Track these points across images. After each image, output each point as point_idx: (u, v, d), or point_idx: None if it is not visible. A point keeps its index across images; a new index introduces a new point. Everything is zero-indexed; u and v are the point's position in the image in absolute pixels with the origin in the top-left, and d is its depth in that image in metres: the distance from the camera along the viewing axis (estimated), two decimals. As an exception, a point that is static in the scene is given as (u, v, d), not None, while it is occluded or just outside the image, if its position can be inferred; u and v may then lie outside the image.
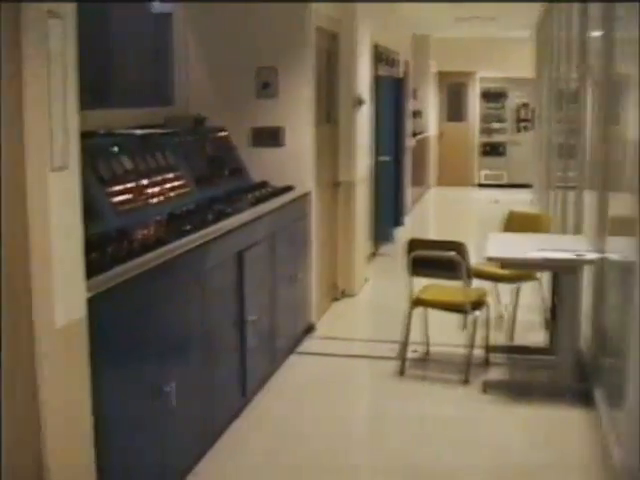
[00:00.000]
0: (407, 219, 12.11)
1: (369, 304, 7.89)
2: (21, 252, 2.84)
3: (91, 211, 4.17)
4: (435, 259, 5.53)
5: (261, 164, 6.36)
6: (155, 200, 4.81)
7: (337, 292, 7.64)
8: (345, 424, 5.05)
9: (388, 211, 10.17)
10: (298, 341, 6.29)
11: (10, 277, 2.81)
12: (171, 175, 5.14)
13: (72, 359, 3.07)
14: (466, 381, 5.56)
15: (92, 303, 3.20)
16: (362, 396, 5.66)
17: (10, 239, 2.80)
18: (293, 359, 6.02)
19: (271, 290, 5.49)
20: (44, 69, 2.82)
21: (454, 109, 17.43)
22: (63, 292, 2.99)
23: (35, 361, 2.90)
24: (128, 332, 3.55)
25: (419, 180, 14.49)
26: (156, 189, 4.88)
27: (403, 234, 10.91)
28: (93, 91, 6.12)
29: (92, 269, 3.40)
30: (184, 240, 4.22)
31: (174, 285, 4.05)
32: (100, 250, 3.71)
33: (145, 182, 4.80)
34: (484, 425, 5.03)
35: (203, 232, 4.46)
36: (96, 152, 4.49)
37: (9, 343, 2.83)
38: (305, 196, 6.38)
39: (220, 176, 5.89)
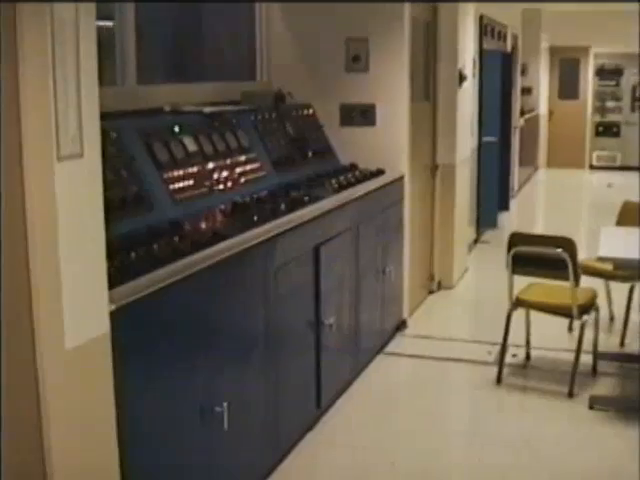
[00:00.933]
0: (513, 203, 11.27)
1: (467, 297, 7.12)
2: (18, 261, 2.27)
3: (142, 200, 3.62)
4: (539, 256, 4.79)
5: (350, 145, 5.71)
6: (222, 187, 4.21)
7: (433, 284, 6.94)
8: (432, 441, 4.37)
9: (492, 195, 9.35)
10: (387, 340, 5.63)
11: (5, 292, 2.25)
12: (243, 158, 4.54)
13: (90, 386, 2.50)
14: (570, 394, 4.82)
15: (121, 315, 2.63)
16: (452, 409, 4.93)
17: (6, 245, 2.24)
18: (379, 361, 5.36)
19: (354, 286, 4.84)
20: (46, 38, 2.22)
21: (566, 86, 16.31)
22: (77, 307, 2.42)
23: (39, 392, 2.34)
24: (168, 347, 2.96)
25: (527, 161, 13.57)
26: (224, 174, 4.28)
27: (509, 219, 10.13)
28: (169, 64, 5.60)
29: (127, 273, 2.84)
30: (246, 234, 3.60)
31: (232, 287, 3.45)
32: (143, 248, 3.14)
33: (211, 166, 4.21)
34: (589, 449, 4.28)
35: (272, 224, 3.84)
36: (154, 133, 3.92)
37: (7, 373, 2.28)
38: (398, 181, 5.69)
39: (303, 158, 5.26)
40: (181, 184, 3.92)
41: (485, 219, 9.05)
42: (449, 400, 4.96)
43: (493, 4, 9.10)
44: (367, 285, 5.05)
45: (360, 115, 5.75)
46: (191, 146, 4.13)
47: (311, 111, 5.69)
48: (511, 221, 10.22)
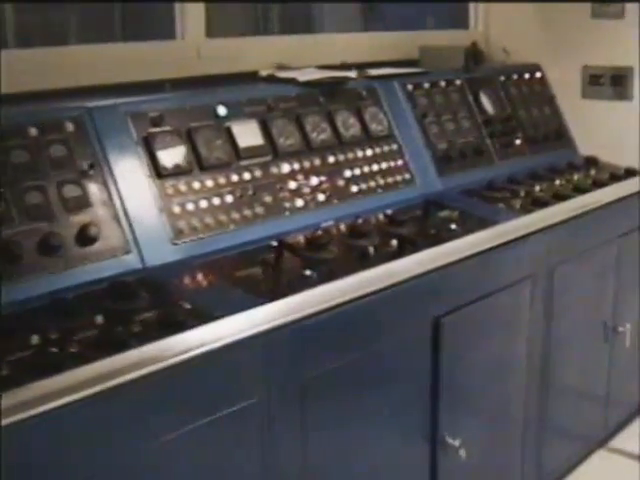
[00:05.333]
0: None
1: None
2: None
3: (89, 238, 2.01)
4: None
5: (594, 128, 3.64)
6: (300, 204, 2.47)
7: None
8: None
9: None
10: (619, 427, 3.54)
11: None
12: (368, 153, 2.74)
13: None
14: None
15: None
16: None
17: None
18: (592, 463, 3.33)
19: (539, 367, 2.85)
20: None
21: None
22: None
23: None
24: None
25: None
26: (311, 184, 2.53)
27: None
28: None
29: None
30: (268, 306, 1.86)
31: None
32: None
33: (286, 170, 2.48)
34: None
35: (337, 284, 2.05)
36: (172, 117, 2.27)
37: None
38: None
39: (504, 149, 3.32)
40: (203, 204, 2.24)
41: None
42: None
43: None
44: (574, 357, 3.03)
45: (610, 83, 3.63)
46: (247, 138, 2.41)
47: (538, 75, 3.67)
48: None
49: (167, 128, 2.24)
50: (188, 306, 1.87)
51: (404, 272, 2.21)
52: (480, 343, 2.51)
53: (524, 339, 2.72)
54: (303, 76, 2.68)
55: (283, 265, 2.15)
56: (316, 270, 2.12)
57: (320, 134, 2.61)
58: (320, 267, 2.15)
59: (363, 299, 2.08)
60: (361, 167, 2.69)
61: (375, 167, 2.74)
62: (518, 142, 3.40)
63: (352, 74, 2.80)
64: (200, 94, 2.40)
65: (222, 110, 2.37)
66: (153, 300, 1.88)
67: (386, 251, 2.30)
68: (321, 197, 2.53)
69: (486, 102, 3.35)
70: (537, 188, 3.05)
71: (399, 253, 2.29)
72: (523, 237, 2.66)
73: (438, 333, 2.32)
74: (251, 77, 2.80)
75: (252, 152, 2.40)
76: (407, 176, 2.84)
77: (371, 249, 2.29)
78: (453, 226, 2.55)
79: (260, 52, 2.95)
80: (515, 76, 3.55)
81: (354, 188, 2.64)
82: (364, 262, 2.22)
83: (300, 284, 2.04)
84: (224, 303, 1.90)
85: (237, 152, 2.37)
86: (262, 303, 1.90)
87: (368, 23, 4.20)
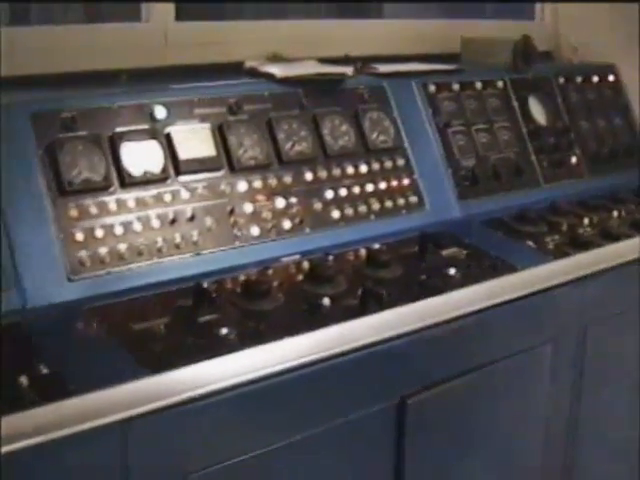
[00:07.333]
0: None
1: None
2: None
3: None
4: None
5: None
6: (255, 234, 2.00)
7: None
8: None
9: None
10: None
11: None
12: (362, 170, 2.25)
13: None
14: None
15: None
16: None
17: None
18: None
19: (559, 454, 2.31)
20: None
21: None
22: None
23: None
24: None
25: None
26: (277, 204, 2.06)
27: None
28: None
29: None
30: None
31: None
32: None
33: (246, 188, 2.02)
34: None
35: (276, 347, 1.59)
36: (87, 119, 1.84)
37: None
38: None
39: (555, 168, 2.76)
40: (118, 230, 1.81)
41: None
42: None
43: None
44: (609, 441, 2.46)
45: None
46: (192, 147, 1.96)
47: (611, 78, 3.07)
48: None
49: (82, 133, 1.81)
50: (45, 371, 1.45)
51: (358, 337, 1.72)
52: (469, 430, 1.98)
53: (540, 420, 2.18)
54: (285, 71, 2.20)
55: (199, 317, 1.70)
56: (239, 328, 1.66)
57: (296, 144, 2.13)
58: (248, 323, 1.69)
59: (290, 373, 1.61)
60: (349, 187, 2.20)
61: (369, 187, 2.24)
62: (574, 160, 2.83)
63: (348, 70, 2.29)
64: (137, 90, 1.95)
65: (160, 111, 1.92)
66: (5, 358, 1.46)
67: (346, 304, 1.82)
68: (286, 224, 2.05)
69: (536, 109, 2.79)
70: (585, 221, 2.49)
71: (361, 309, 1.80)
72: (546, 290, 2.12)
73: (404, 418, 1.82)
74: (232, 70, 2.34)
75: (197, 165, 1.95)
76: (413, 199, 2.32)
77: (326, 301, 1.81)
78: (452, 271, 2.03)
79: (253, 40, 2.48)
80: (579, 78, 2.97)
81: (335, 214, 2.15)
82: (311, 319, 1.74)
83: (210, 348, 1.58)
84: (93, 371, 1.47)
85: (176, 164, 1.92)
86: (141, 376, 1.46)
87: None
